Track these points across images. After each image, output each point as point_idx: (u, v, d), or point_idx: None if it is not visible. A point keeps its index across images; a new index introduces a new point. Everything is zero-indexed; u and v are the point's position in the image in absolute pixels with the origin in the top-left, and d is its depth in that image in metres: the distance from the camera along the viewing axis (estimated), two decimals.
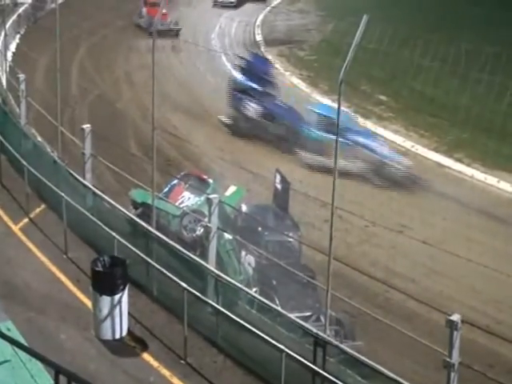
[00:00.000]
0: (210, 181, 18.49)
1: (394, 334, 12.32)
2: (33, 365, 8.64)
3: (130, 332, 13.01)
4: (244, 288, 13.37)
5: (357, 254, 18.64)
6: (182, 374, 12.23)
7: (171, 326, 13.37)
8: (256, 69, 29.09)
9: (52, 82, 20.10)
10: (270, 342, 11.60)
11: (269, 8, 51.91)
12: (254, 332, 11.90)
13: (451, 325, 10.16)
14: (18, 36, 38.92)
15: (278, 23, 48.63)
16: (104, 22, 43.80)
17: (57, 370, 6.87)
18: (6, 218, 17.07)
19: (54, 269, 15.03)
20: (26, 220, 17.02)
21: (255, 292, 14.41)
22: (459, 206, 22.46)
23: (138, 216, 16.09)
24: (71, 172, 16.76)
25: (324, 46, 41.76)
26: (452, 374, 10.28)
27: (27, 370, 8.68)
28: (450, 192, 23.27)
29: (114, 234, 14.24)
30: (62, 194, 15.94)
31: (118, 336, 12.78)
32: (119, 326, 12.71)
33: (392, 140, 28.56)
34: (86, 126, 16.64)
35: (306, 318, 13.57)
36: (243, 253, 15.27)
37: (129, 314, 12.94)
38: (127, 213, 15.72)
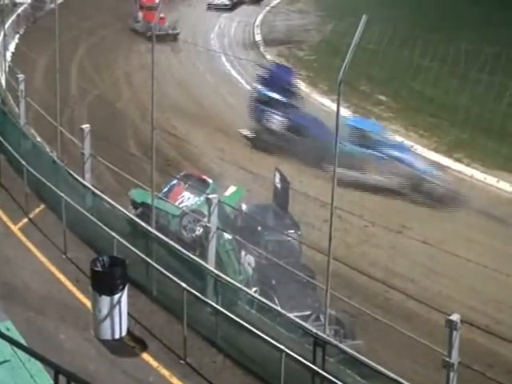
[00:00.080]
0: (210, 181, 18.50)
1: (394, 334, 12.33)
2: (32, 365, 8.64)
3: (129, 332, 13.00)
4: (243, 288, 13.37)
5: (356, 254, 18.64)
6: (182, 374, 12.22)
7: (171, 326, 13.36)
8: (279, 79, 27.67)
9: (51, 82, 20.09)
10: (270, 342, 11.60)
11: (268, 8, 51.89)
12: (254, 332, 11.90)
13: (451, 325, 10.16)
14: (18, 36, 38.91)
15: (277, 23, 48.64)
16: (103, 22, 43.79)
17: (56, 370, 6.87)
18: (5, 218, 17.06)
19: (53, 269, 15.02)
20: (25, 220, 17.02)
21: (255, 292, 14.42)
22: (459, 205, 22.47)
23: (138, 216, 16.09)
24: (70, 172, 16.76)
25: (323, 46, 41.78)
26: (451, 374, 10.27)
27: (27, 370, 8.68)
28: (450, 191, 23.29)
29: (113, 234, 14.24)
30: (62, 194, 15.93)
31: (117, 336, 12.78)
32: (119, 326, 12.70)
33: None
34: (86, 126, 16.64)
35: (305, 318, 13.57)
36: (243, 253, 15.27)
37: (128, 314, 12.94)
38: (127, 213, 15.72)
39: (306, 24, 48.08)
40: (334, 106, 12.45)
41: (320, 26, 46.84)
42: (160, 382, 12.05)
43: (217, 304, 12.86)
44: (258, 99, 27.56)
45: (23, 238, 16.19)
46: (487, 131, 27.40)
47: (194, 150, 25.11)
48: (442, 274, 18.29)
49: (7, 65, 26.62)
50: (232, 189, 18.11)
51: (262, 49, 42.54)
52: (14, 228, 16.68)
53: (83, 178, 16.48)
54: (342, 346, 11.64)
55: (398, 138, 27.22)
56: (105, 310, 12.55)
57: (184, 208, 17.66)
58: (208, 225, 13.52)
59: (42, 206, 17.51)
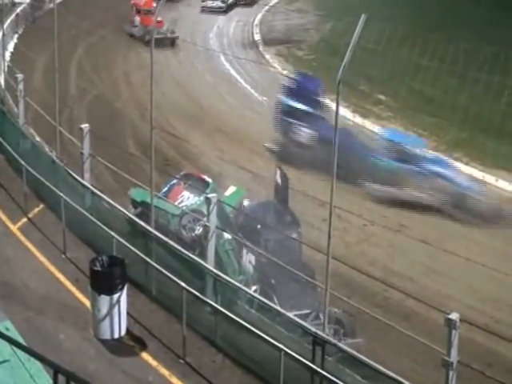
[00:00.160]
0: (210, 181, 18.49)
1: (393, 333, 12.34)
2: (32, 364, 8.64)
3: (128, 331, 13.00)
4: (243, 287, 13.38)
5: (355, 253, 18.65)
6: (181, 374, 12.22)
7: (170, 326, 13.37)
8: (305, 89, 26.25)
9: (50, 81, 20.10)
10: (269, 342, 11.60)
11: (267, 7, 51.86)
12: (253, 331, 11.91)
13: (450, 323, 10.17)
14: (16, 36, 38.88)
15: (276, 23, 48.63)
16: (102, 21, 43.77)
17: (55, 370, 6.87)
18: (4, 218, 17.06)
19: (52, 268, 15.01)
20: (24, 220, 17.01)
21: (255, 290, 14.42)
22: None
23: (138, 215, 16.08)
24: (70, 172, 16.76)
25: (322, 45, 41.76)
26: (450, 373, 10.28)
27: (26, 370, 8.68)
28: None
29: (112, 233, 14.24)
30: (61, 194, 15.93)
31: (116, 335, 12.78)
32: (118, 325, 12.71)
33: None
34: (85, 126, 16.64)
35: (304, 316, 13.56)
36: (244, 251, 15.25)
37: (128, 313, 12.94)
38: (126, 212, 15.72)
39: (304, 23, 48.06)
40: (333, 106, 12.46)
41: (319, 25, 46.82)
42: (159, 381, 12.05)
43: (216, 303, 12.87)
44: (283, 111, 26.04)
45: (22, 238, 16.19)
46: (486, 130, 27.43)
47: (193, 149, 25.12)
48: (441, 273, 18.29)
49: (6, 64, 26.58)
50: (232, 189, 18.12)
51: (261, 48, 42.54)
52: (13, 228, 16.68)
53: (82, 177, 16.48)
54: (340, 344, 11.64)
55: (437, 152, 25.88)
56: (104, 310, 12.55)
57: (184, 207, 17.65)
58: (207, 224, 13.53)
59: (41, 206, 17.51)
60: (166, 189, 18.59)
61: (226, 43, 43.39)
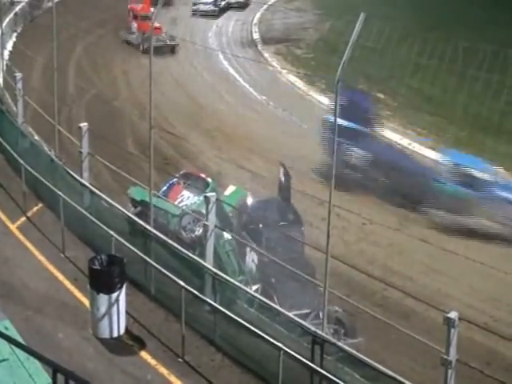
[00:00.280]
0: (210, 180, 18.43)
1: (392, 332, 12.34)
2: (31, 363, 8.63)
3: (127, 330, 13.00)
4: (242, 286, 13.37)
5: (354, 251, 18.64)
6: (180, 373, 12.22)
7: (169, 325, 13.37)
8: (356, 106, 23.92)
9: (49, 80, 20.10)
10: (268, 341, 11.60)
11: (266, 6, 51.83)
12: (252, 330, 11.91)
13: (449, 322, 10.17)
14: (15, 34, 38.86)
15: (275, 21, 48.63)
16: (101, 21, 43.72)
17: (54, 369, 6.86)
18: (3, 217, 17.05)
19: (51, 268, 15.01)
20: (23, 219, 17.01)
21: (257, 290, 14.41)
22: None
23: (137, 215, 16.06)
24: (68, 171, 16.76)
25: (321, 44, 41.75)
26: (449, 372, 10.29)
27: (25, 369, 8.67)
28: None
29: (111, 232, 14.24)
30: (60, 193, 15.93)
31: (115, 334, 12.78)
32: (117, 324, 12.71)
33: (389, 138, 28.52)
34: (83, 125, 16.64)
35: (304, 316, 13.55)
36: (248, 249, 15.22)
37: (126, 312, 12.94)
38: (125, 211, 15.72)
39: (303, 22, 48.07)
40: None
41: (318, 24, 46.82)
42: (158, 380, 12.05)
43: (215, 302, 12.86)
44: (332, 129, 24.69)
45: (21, 237, 16.18)
46: (485, 129, 27.43)
47: (192, 148, 25.11)
48: (441, 272, 18.28)
49: (5, 63, 26.57)
50: (231, 188, 18.07)
51: (259, 47, 42.54)
52: (12, 227, 16.68)
53: (81, 176, 16.47)
54: (339, 344, 11.64)
55: (508, 177, 23.85)
56: (103, 309, 12.55)
57: (184, 207, 17.59)
58: (206, 223, 13.52)
59: (40, 205, 17.50)
60: (165, 188, 18.55)
61: (225, 42, 43.38)
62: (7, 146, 19.15)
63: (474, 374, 11.11)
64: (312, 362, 11.35)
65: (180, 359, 12.54)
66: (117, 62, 37.23)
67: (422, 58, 30.75)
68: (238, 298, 13.16)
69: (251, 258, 15.29)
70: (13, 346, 8.35)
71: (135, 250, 14.00)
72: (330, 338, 11.80)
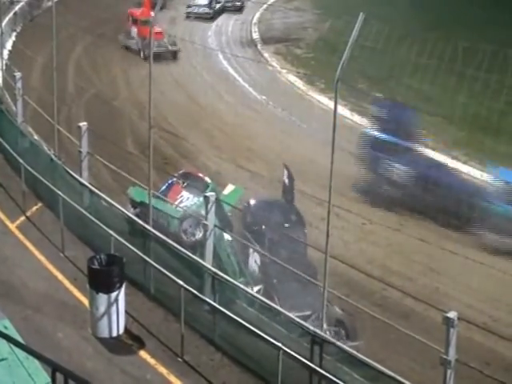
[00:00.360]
0: (209, 181, 18.40)
1: (391, 332, 12.34)
2: (30, 363, 8.62)
3: (126, 330, 13.01)
4: (242, 286, 13.37)
5: (354, 251, 18.63)
6: (179, 372, 12.23)
7: (168, 324, 13.38)
8: (397, 119, 22.66)
9: (48, 80, 20.09)
10: (267, 340, 11.60)
11: (265, 6, 51.81)
12: (252, 330, 11.91)
13: (448, 322, 10.18)
14: (15, 34, 38.85)
15: (274, 21, 48.62)
16: (101, 20, 43.68)
17: (54, 368, 6.86)
18: (2, 217, 17.06)
19: (50, 267, 15.02)
20: (22, 218, 17.02)
21: (259, 290, 14.40)
22: None
23: (137, 215, 16.05)
24: (68, 170, 16.75)
25: (321, 44, 41.74)
26: (449, 372, 10.29)
27: (24, 368, 8.66)
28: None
29: (110, 232, 14.24)
30: (59, 193, 15.93)
31: (114, 334, 12.79)
32: (116, 323, 12.72)
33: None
34: (83, 124, 16.64)
35: (305, 318, 13.54)
36: (251, 250, 15.22)
37: (126, 311, 12.95)
38: (124, 211, 15.72)
39: (303, 22, 48.05)
40: (331, 104, 12.48)
41: (317, 23, 46.78)
42: (157, 379, 12.06)
43: (214, 302, 12.86)
44: (372, 144, 22.63)
45: (21, 237, 16.19)
46: (485, 129, 27.41)
47: (191, 148, 25.09)
48: (440, 272, 18.28)
49: (4, 63, 26.56)
50: (230, 187, 18.07)
51: (259, 47, 42.54)
52: (12, 226, 16.69)
53: (80, 176, 16.47)
54: (339, 343, 11.64)
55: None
56: (102, 308, 12.56)
57: (184, 208, 17.53)
58: (205, 222, 13.52)
59: (40, 205, 17.51)
60: (164, 187, 18.53)
61: (225, 41, 43.37)
62: (7, 146, 19.16)
63: (474, 374, 11.11)
64: (311, 361, 11.35)
65: (179, 359, 12.55)
66: (116, 62, 37.21)
67: (421, 57, 30.71)
68: (238, 297, 13.16)
69: (254, 259, 15.28)
70: (12, 346, 8.35)
71: (134, 250, 14.00)
72: (328, 337, 11.79)
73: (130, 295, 13.48)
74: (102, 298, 12.53)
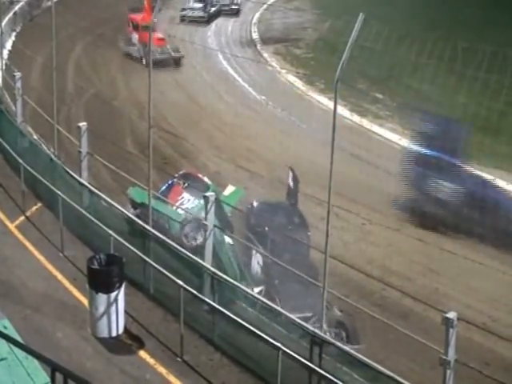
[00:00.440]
0: (209, 183, 18.38)
1: (391, 332, 12.34)
2: (29, 363, 8.62)
3: (126, 330, 13.01)
4: (241, 286, 13.37)
5: (353, 251, 18.63)
6: (179, 372, 12.24)
7: (167, 324, 13.38)
8: (447, 135, 21.41)
9: (48, 80, 20.08)
10: (267, 340, 11.60)
11: (265, 6, 51.81)
12: (251, 330, 11.91)
13: (447, 322, 10.18)
14: (14, 34, 38.85)
15: (274, 21, 48.62)
16: (101, 20, 43.68)
17: (53, 368, 6.86)
18: (2, 216, 17.06)
19: (50, 267, 15.02)
20: (22, 218, 17.02)
21: (261, 291, 14.40)
22: None
23: (137, 216, 16.04)
24: (68, 170, 16.75)
25: (320, 44, 41.75)
26: (448, 372, 10.29)
27: (23, 368, 8.66)
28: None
29: (110, 232, 14.24)
30: (59, 193, 15.93)
31: (114, 334, 12.79)
32: (115, 323, 12.72)
33: (388, 138, 28.52)
34: (82, 124, 16.64)
35: (306, 319, 13.53)
36: (253, 251, 15.21)
37: (125, 311, 12.95)
38: (124, 211, 15.72)
39: (302, 22, 48.07)
40: (331, 105, 12.49)
41: (317, 24, 46.81)
42: (157, 379, 12.06)
43: (214, 302, 12.87)
44: (417, 160, 21.51)
45: (20, 237, 16.19)
46: (484, 129, 27.39)
47: (191, 148, 25.09)
48: (439, 272, 18.28)
49: (4, 62, 26.56)
50: (231, 188, 18.04)
51: (259, 47, 42.54)
52: (11, 226, 16.69)
53: (80, 176, 16.47)
54: (338, 344, 11.64)
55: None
56: (102, 308, 12.56)
57: (186, 209, 17.48)
58: (205, 222, 13.52)
59: (39, 204, 17.51)
60: (164, 188, 18.51)
61: (224, 42, 43.37)
62: (6, 146, 19.15)
63: (473, 375, 11.11)
64: (310, 361, 11.35)
65: (179, 358, 12.55)
66: (116, 61, 37.20)
67: (421, 57, 30.71)
68: (237, 297, 13.16)
69: (256, 260, 15.28)
70: (11, 345, 8.35)
71: (134, 250, 14.00)
72: (328, 337, 11.80)
73: (130, 295, 13.48)
74: (102, 298, 12.53)
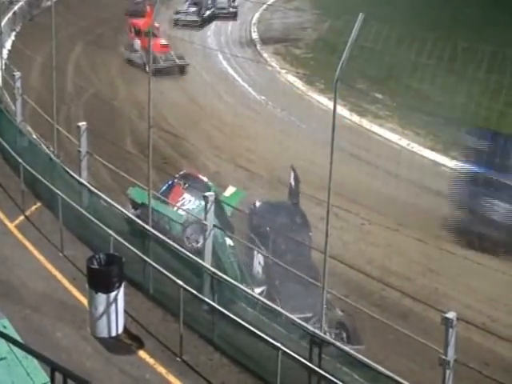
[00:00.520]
0: (210, 183, 18.36)
1: (390, 332, 12.34)
2: (29, 362, 8.63)
3: (125, 330, 13.01)
4: (241, 286, 13.36)
5: (353, 252, 18.63)
6: (178, 372, 12.23)
7: (167, 324, 13.38)
8: (501, 152, 20.19)
9: (48, 79, 20.07)
10: (267, 340, 11.60)
11: (265, 6, 51.79)
12: (251, 330, 11.91)
13: (447, 322, 10.18)
14: (14, 33, 38.84)
15: (274, 21, 48.59)
16: (100, 20, 43.66)
17: (53, 368, 6.86)
18: (1, 216, 17.05)
19: (49, 267, 15.02)
20: (21, 218, 17.01)
21: (262, 292, 14.40)
22: None
23: (138, 217, 16.04)
24: (67, 170, 16.75)
25: (320, 44, 41.74)
26: (447, 372, 10.30)
27: (23, 368, 8.67)
28: (446, 190, 23.27)
29: (110, 231, 14.23)
30: (58, 192, 15.92)
31: (113, 334, 12.79)
32: (115, 323, 12.72)
33: (388, 138, 28.52)
34: (82, 124, 16.63)
35: (307, 320, 13.52)
36: (255, 252, 15.21)
37: (125, 311, 12.95)
38: (123, 211, 15.71)
39: (302, 22, 48.04)
40: (330, 105, 12.48)
41: (316, 24, 46.80)
42: (156, 379, 12.06)
43: (213, 302, 12.86)
44: (467, 179, 20.77)
45: (20, 236, 16.19)
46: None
47: (190, 148, 25.09)
48: (439, 272, 18.28)
49: (3, 62, 26.56)
50: (231, 189, 18.03)
51: (258, 47, 42.53)
52: (11, 226, 16.68)
53: (80, 175, 16.47)
54: (338, 344, 11.64)
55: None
56: (101, 308, 12.56)
57: (187, 210, 17.45)
58: (205, 222, 13.52)
59: (39, 204, 17.50)
60: (164, 188, 18.51)
61: (224, 41, 43.36)
62: (6, 145, 19.15)
63: (473, 375, 11.11)
64: (310, 362, 11.35)
65: (178, 358, 12.55)
66: (116, 61, 37.17)
67: (420, 57, 30.72)
68: (237, 297, 13.15)
69: (258, 261, 15.28)
70: (11, 345, 8.35)
71: (134, 250, 14.00)
72: (327, 337, 11.79)
73: (129, 295, 13.47)
74: (101, 298, 12.53)
